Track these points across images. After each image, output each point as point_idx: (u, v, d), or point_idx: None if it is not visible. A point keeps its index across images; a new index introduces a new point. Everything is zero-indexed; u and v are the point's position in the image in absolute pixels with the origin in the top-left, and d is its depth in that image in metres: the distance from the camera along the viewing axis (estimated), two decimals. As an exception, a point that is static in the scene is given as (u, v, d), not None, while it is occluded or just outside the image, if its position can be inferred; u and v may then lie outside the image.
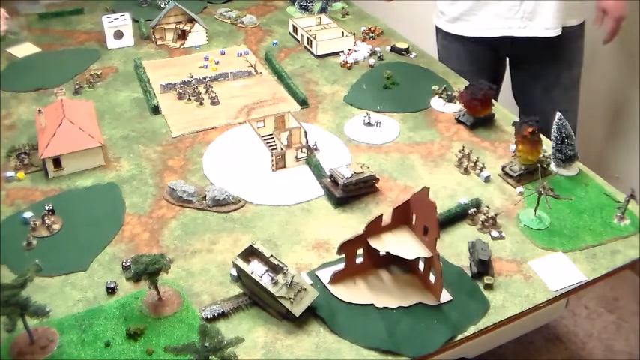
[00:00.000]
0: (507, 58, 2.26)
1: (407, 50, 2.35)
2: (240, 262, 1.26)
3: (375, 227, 1.30)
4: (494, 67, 2.26)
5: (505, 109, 2.01)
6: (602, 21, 2.02)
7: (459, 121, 1.91)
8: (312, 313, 1.26)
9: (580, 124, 2.29)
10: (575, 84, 2.18)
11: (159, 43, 2.43)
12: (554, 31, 2.01)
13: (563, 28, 2.00)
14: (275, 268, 1.26)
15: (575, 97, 2.21)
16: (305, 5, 2.64)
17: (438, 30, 2.28)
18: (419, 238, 1.29)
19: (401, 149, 1.80)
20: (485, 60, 2.22)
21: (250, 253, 1.29)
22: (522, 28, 2.03)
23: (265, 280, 1.23)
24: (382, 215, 1.30)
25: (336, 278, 1.33)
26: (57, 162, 1.65)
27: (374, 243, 1.29)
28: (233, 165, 1.73)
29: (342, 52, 2.34)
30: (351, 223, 1.51)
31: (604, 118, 2.60)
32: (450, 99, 2.01)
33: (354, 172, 1.57)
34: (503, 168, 1.68)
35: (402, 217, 1.32)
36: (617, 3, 1.97)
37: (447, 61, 2.30)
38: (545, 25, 2.01)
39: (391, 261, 1.37)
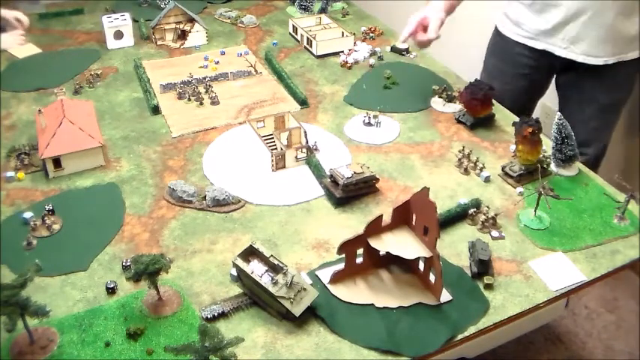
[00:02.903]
0: (550, 68, 2.17)
1: (407, 50, 2.35)
2: (240, 262, 1.26)
3: (375, 227, 1.30)
4: (533, 75, 2.16)
5: (505, 109, 2.01)
6: None
7: (459, 121, 1.91)
8: (312, 313, 1.26)
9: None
10: (614, 108, 2.09)
11: (159, 43, 2.43)
12: (594, 59, 1.94)
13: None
14: (275, 268, 1.26)
15: (611, 121, 2.12)
16: (305, 5, 2.64)
17: (496, 26, 2.25)
18: (419, 238, 1.29)
19: (401, 149, 1.80)
20: (525, 65, 2.14)
21: (250, 253, 1.29)
22: (564, 48, 1.98)
23: (265, 280, 1.23)
24: (382, 215, 1.30)
25: (336, 278, 1.33)
26: (57, 162, 1.65)
27: (374, 243, 1.29)
28: (233, 165, 1.73)
29: (342, 52, 2.34)
30: (351, 223, 1.51)
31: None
32: (450, 99, 2.01)
33: (354, 172, 1.57)
34: (503, 168, 1.68)
35: (402, 217, 1.32)
36: None
37: (492, 56, 2.27)
38: (586, 51, 1.94)
39: (391, 261, 1.37)
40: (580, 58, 1.96)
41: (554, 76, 2.18)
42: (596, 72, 1.97)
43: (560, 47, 1.98)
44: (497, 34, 2.24)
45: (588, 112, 2.03)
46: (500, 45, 2.22)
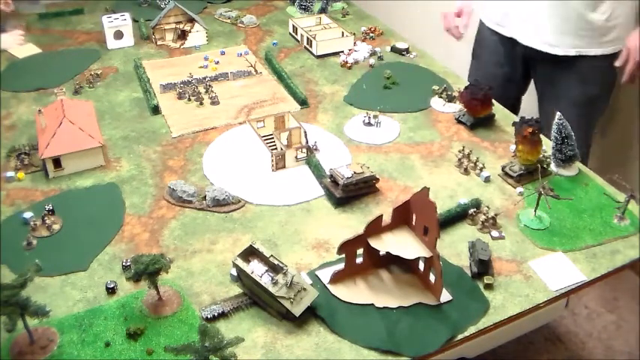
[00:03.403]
0: (524, 59, 2.21)
1: (407, 50, 2.35)
2: (240, 262, 1.26)
3: (375, 227, 1.30)
4: (510, 65, 2.21)
5: (505, 109, 2.01)
6: (625, 60, 1.90)
7: (459, 121, 1.91)
8: (312, 313, 1.26)
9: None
10: (588, 102, 2.07)
11: (159, 43, 2.43)
12: (555, 49, 1.97)
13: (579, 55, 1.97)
14: (275, 268, 1.26)
15: (586, 115, 2.10)
16: (305, 5, 2.64)
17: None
18: (419, 238, 1.29)
19: (401, 149, 1.80)
20: (499, 53, 2.20)
21: (250, 253, 1.29)
22: (525, 36, 2.02)
23: (265, 280, 1.23)
24: (382, 215, 1.30)
25: (336, 278, 1.33)
26: (57, 162, 1.65)
27: (374, 243, 1.29)
28: (233, 165, 1.73)
29: (342, 52, 2.34)
30: (351, 223, 1.51)
31: (604, 117, 2.60)
32: (450, 99, 2.01)
33: (354, 172, 1.57)
34: (503, 168, 1.68)
35: (402, 217, 1.32)
36: None
37: (475, 42, 2.34)
38: (545, 39, 1.97)
39: (391, 261, 1.37)
40: (541, 47, 1.99)
41: (531, 72, 2.22)
42: (565, 65, 2.00)
43: (523, 35, 2.03)
44: (480, 21, 2.30)
45: (562, 108, 2.06)
46: (481, 32, 2.29)
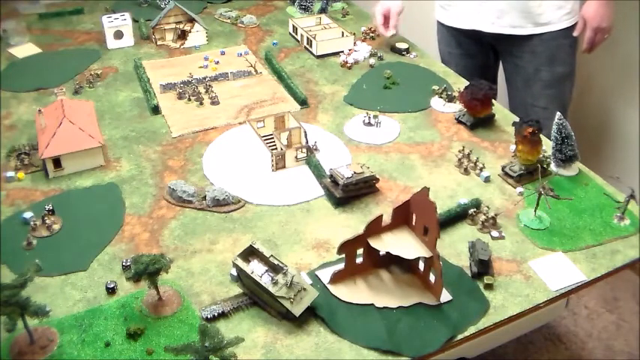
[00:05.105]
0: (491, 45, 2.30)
1: (407, 50, 2.35)
2: (240, 262, 1.26)
3: (375, 227, 1.30)
4: (481, 54, 2.31)
5: (505, 109, 2.01)
6: (582, 29, 2.03)
7: (459, 121, 1.91)
8: (312, 313, 1.26)
9: (580, 123, 2.29)
10: (558, 82, 2.14)
11: (159, 43, 2.43)
12: (521, 30, 2.04)
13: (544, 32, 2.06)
14: (275, 268, 1.26)
15: (557, 96, 2.16)
16: (305, 5, 2.64)
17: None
18: (419, 238, 1.29)
19: (401, 149, 1.80)
20: (469, 45, 2.28)
21: (250, 253, 1.29)
22: (491, 24, 2.09)
23: (265, 280, 1.23)
24: (382, 215, 1.30)
25: (336, 278, 1.33)
26: (57, 162, 1.65)
27: (374, 243, 1.29)
28: (233, 165, 1.73)
29: (342, 52, 2.34)
30: (351, 223, 1.51)
31: (604, 117, 2.60)
32: (450, 99, 2.01)
33: (354, 172, 1.57)
34: (503, 168, 1.68)
35: (402, 217, 1.32)
36: (598, 13, 1.97)
37: (440, 44, 2.40)
38: (512, 23, 2.05)
39: (391, 261, 1.37)
40: (507, 31, 2.06)
41: (501, 60, 2.31)
42: (531, 46, 2.07)
43: (488, 23, 2.09)
44: (438, 22, 2.38)
45: (534, 91, 2.12)
46: (441, 31, 2.36)
